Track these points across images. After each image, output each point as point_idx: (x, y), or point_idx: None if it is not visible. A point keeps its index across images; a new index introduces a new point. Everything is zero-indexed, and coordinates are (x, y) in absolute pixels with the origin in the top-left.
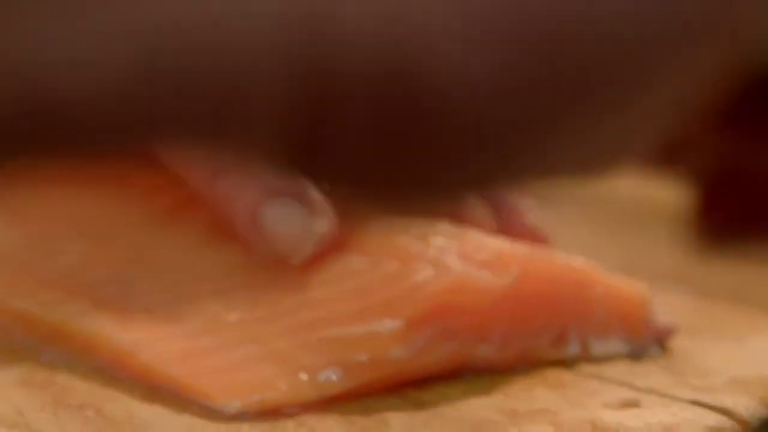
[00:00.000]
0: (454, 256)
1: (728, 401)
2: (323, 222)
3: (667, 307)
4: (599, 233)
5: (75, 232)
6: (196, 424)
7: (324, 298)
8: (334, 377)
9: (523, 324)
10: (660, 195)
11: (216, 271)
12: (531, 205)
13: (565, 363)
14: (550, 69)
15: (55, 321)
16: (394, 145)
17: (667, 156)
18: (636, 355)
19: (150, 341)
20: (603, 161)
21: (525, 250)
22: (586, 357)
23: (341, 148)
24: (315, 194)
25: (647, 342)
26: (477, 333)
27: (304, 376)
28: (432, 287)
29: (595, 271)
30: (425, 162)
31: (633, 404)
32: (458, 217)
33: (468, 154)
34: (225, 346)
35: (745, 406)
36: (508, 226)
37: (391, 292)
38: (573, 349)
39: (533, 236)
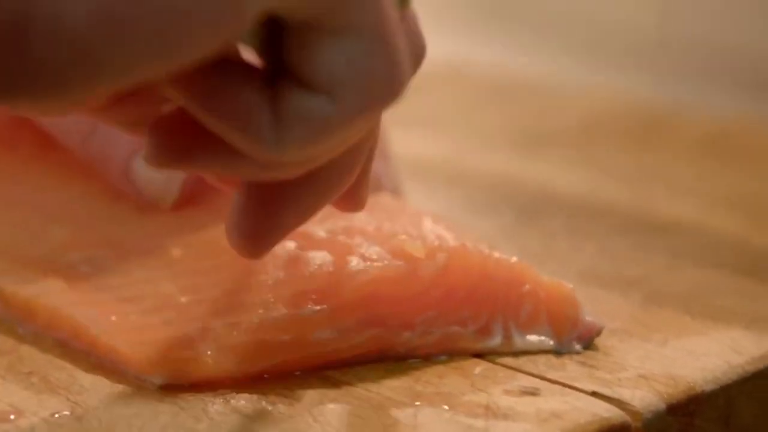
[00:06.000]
0: (380, 247)
1: (627, 394)
2: None
3: (607, 309)
4: (565, 236)
5: (59, 218)
6: (125, 392)
7: (259, 284)
8: (257, 355)
9: (447, 314)
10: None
11: (178, 257)
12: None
13: (487, 354)
14: None
15: (26, 297)
16: None
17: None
18: (559, 351)
19: (104, 317)
20: None
21: (457, 241)
22: (509, 349)
23: None
24: None
25: (571, 339)
26: (401, 321)
27: (229, 354)
28: (358, 279)
29: (526, 268)
30: None
31: (532, 392)
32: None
33: None
34: (168, 324)
35: (641, 398)
36: None
37: (319, 282)
38: (496, 341)
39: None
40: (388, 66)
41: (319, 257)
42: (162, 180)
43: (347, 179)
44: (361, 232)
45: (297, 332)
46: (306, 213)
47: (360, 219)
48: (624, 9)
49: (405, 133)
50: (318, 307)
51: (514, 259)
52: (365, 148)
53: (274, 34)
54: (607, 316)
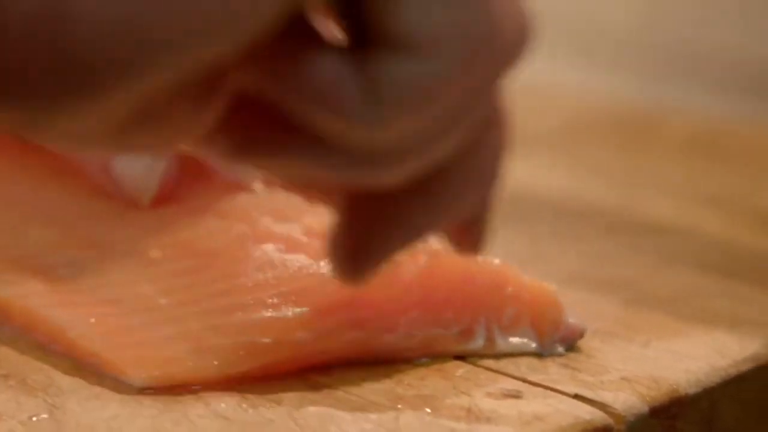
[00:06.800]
0: None
1: (609, 397)
2: (163, 163)
3: (591, 311)
4: (552, 239)
5: (39, 218)
6: (104, 394)
7: (238, 286)
8: (237, 358)
9: (429, 316)
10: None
11: (157, 258)
12: None
13: (469, 356)
14: None
15: (4, 298)
16: None
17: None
18: (541, 353)
19: (82, 319)
20: None
21: (439, 243)
22: (491, 352)
23: None
24: None
25: (554, 341)
26: (382, 323)
27: (209, 356)
28: (339, 281)
29: (509, 270)
30: None
31: (515, 395)
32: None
33: None
34: (147, 326)
35: (623, 401)
36: None
37: (301, 283)
38: (478, 343)
39: None
40: (487, 17)
41: (299, 259)
42: (141, 175)
43: (465, 195)
44: None
45: (277, 334)
46: (415, 233)
47: None
48: (609, 10)
49: None
50: (298, 310)
51: (497, 261)
52: (488, 159)
53: None
54: (591, 318)
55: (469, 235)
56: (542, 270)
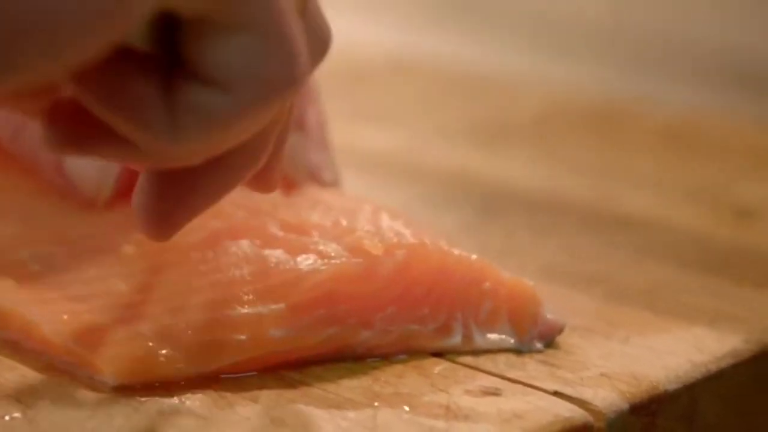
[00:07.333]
0: (337, 244)
1: (589, 393)
2: (116, 165)
3: (569, 306)
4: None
5: (10, 214)
6: (78, 393)
7: (215, 282)
8: (213, 355)
9: (406, 312)
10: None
11: (130, 254)
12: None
13: (446, 352)
14: None
15: None
16: None
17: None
18: (520, 349)
19: (55, 316)
20: None
21: (416, 238)
22: (469, 348)
23: None
24: None
25: (532, 338)
26: (359, 319)
27: (185, 353)
28: (316, 276)
29: (487, 266)
30: None
31: (494, 392)
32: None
33: None
34: (121, 323)
35: (603, 398)
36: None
37: (277, 279)
38: (456, 339)
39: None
40: (283, 60)
41: (276, 255)
42: (96, 175)
43: (256, 163)
44: (318, 228)
45: (254, 331)
46: (214, 196)
47: (317, 215)
48: (583, 1)
49: (363, 126)
50: (275, 306)
51: (474, 256)
52: (274, 132)
53: (170, 26)
54: (569, 313)
55: (263, 180)
56: (517, 264)
